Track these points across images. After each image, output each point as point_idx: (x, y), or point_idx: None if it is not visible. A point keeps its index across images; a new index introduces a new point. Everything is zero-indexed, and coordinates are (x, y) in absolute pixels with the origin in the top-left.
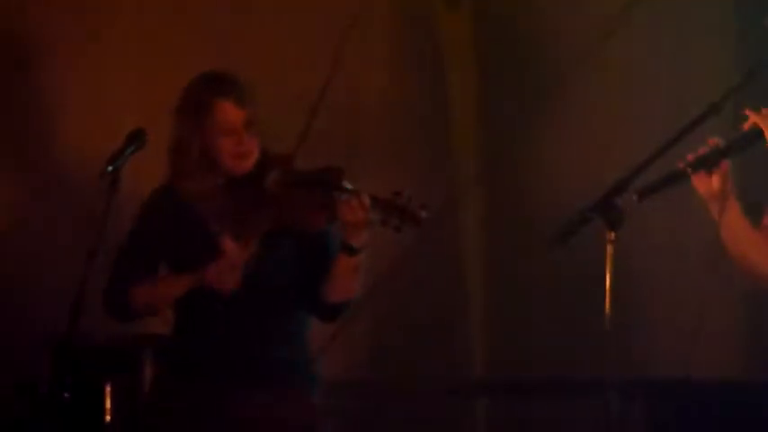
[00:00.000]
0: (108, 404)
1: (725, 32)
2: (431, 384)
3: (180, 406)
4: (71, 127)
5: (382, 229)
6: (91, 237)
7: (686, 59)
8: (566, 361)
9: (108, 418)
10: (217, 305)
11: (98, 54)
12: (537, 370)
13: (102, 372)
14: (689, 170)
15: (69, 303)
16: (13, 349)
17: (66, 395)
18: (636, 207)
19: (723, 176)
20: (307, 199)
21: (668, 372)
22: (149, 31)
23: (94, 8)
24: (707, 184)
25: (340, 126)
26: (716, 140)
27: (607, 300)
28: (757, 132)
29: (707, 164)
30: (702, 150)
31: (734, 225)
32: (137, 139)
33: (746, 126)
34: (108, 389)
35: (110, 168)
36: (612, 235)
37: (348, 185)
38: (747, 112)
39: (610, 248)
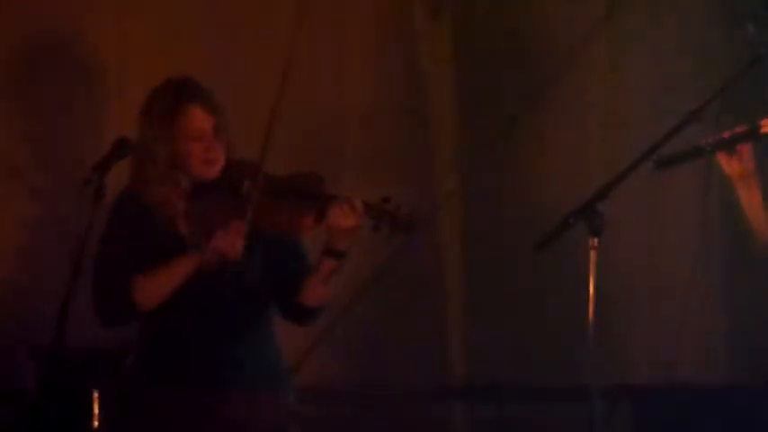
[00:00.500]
0: (96, 410)
1: (710, 36)
2: (412, 390)
3: (158, 410)
4: (57, 133)
5: (361, 235)
6: (75, 244)
7: (669, 65)
8: (548, 365)
9: (96, 423)
10: (222, 289)
11: (82, 58)
12: (520, 374)
13: (89, 378)
14: (707, 148)
15: (55, 311)
16: (1, 358)
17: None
18: (653, 173)
19: (745, 158)
20: (288, 204)
21: (652, 375)
22: (127, 36)
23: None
24: (729, 164)
25: (320, 135)
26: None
27: (590, 304)
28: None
29: (727, 145)
30: (725, 133)
31: (756, 205)
32: (121, 147)
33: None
34: (96, 395)
35: (96, 177)
36: (595, 241)
37: (327, 192)
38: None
39: (593, 254)
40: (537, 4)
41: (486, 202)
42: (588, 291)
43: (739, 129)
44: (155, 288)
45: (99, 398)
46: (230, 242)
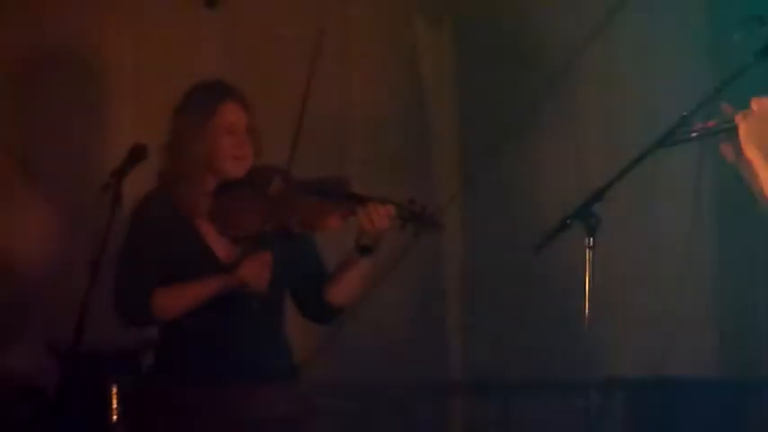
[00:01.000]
0: (114, 404)
1: (697, 46)
2: (414, 386)
3: (179, 408)
4: (75, 139)
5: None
6: (93, 247)
7: (665, 71)
8: (546, 361)
9: (114, 417)
10: (252, 302)
11: (101, 71)
12: (518, 371)
13: (108, 374)
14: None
15: (74, 310)
16: (20, 356)
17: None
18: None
19: (739, 143)
20: (317, 203)
21: (645, 371)
22: (146, 47)
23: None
24: (727, 152)
25: (326, 140)
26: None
27: (586, 302)
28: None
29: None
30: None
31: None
32: (138, 153)
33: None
34: (114, 390)
35: (115, 181)
36: (591, 241)
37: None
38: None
39: (589, 253)
40: (535, 16)
41: (486, 206)
42: (584, 289)
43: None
44: (174, 304)
45: (117, 393)
46: (257, 273)
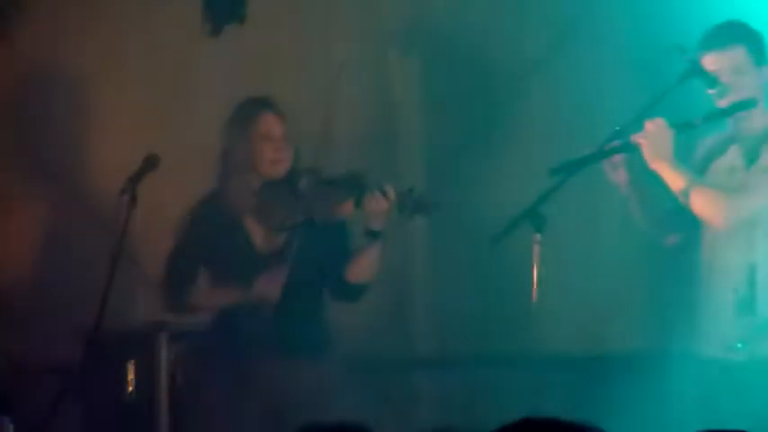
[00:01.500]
0: (131, 377)
1: (628, 69)
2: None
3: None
4: (95, 149)
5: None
6: (113, 243)
7: (610, 85)
8: (499, 337)
9: (130, 389)
10: (265, 310)
11: (119, 83)
12: (477, 345)
13: (126, 352)
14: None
15: (95, 299)
16: (49, 338)
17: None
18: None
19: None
20: (334, 196)
21: (587, 345)
22: (161, 63)
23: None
24: (618, 177)
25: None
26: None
27: (534, 287)
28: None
29: (605, 156)
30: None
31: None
32: (151, 162)
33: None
34: (131, 366)
35: (131, 187)
36: (538, 236)
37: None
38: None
39: (536, 247)
40: (492, 39)
41: (449, 208)
42: (533, 276)
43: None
44: (208, 302)
45: (134, 368)
46: (270, 288)
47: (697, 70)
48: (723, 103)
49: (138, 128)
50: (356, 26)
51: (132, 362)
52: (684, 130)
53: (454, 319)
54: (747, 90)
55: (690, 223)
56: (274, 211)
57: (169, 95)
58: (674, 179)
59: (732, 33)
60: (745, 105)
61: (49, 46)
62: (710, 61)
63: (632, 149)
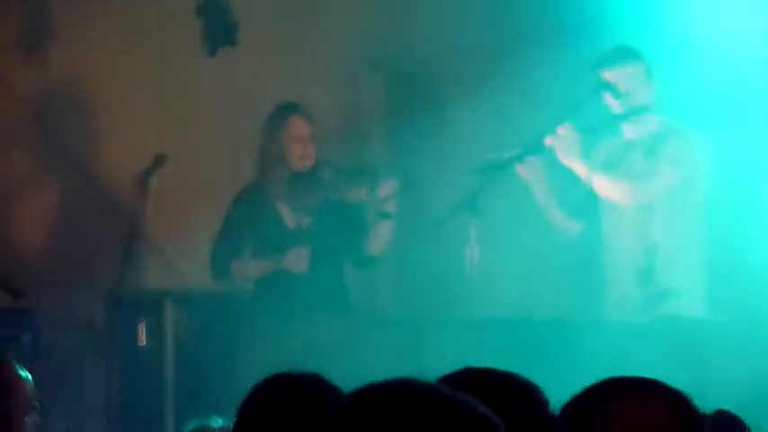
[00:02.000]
0: (142, 333)
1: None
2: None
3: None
4: (109, 144)
5: None
6: (123, 223)
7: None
8: (444, 303)
9: (143, 342)
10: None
11: (132, 92)
12: (427, 309)
13: (139, 312)
14: (510, 162)
15: (110, 268)
16: (78, 298)
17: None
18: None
19: (537, 168)
20: (351, 184)
21: (514, 311)
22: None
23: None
24: (523, 172)
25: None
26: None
27: (470, 263)
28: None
29: (519, 158)
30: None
31: (552, 205)
32: (160, 160)
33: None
34: (142, 324)
35: (143, 180)
36: (473, 221)
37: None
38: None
39: (472, 231)
40: (437, 58)
41: (406, 196)
42: (468, 254)
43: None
44: (249, 271)
45: (145, 325)
46: (297, 261)
47: (603, 84)
48: (621, 110)
49: (146, 129)
50: (332, 49)
51: (143, 320)
52: (590, 132)
53: (409, 287)
54: (640, 99)
55: (595, 210)
56: (302, 197)
57: (175, 103)
58: (583, 171)
59: (626, 54)
60: (639, 111)
61: (74, 62)
62: (611, 76)
63: (547, 150)
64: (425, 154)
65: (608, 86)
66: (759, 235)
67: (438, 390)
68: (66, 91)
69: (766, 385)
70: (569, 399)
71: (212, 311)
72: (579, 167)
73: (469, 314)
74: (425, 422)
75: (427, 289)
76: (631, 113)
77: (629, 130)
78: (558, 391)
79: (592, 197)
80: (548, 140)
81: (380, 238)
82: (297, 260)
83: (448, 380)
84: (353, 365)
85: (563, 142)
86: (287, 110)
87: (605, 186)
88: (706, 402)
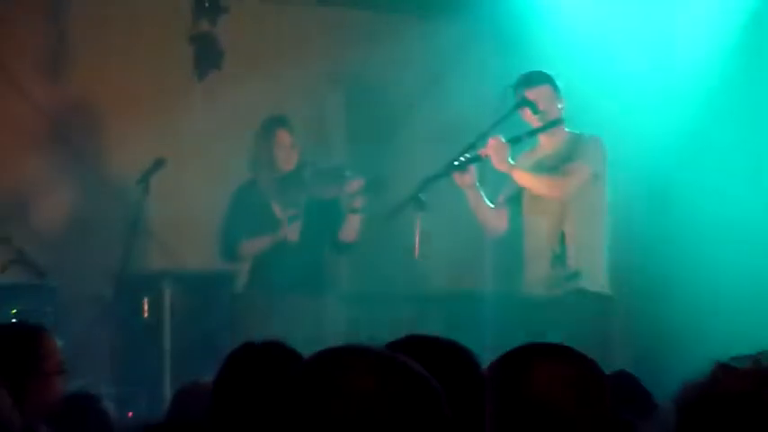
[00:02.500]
0: (145, 308)
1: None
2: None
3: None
4: (119, 151)
5: None
6: (129, 222)
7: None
8: (394, 279)
9: (146, 315)
10: (289, 249)
11: (137, 106)
12: (376, 285)
13: (142, 290)
14: (450, 170)
15: (116, 252)
16: (89, 276)
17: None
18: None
19: (471, 176)
20: (330, 181)
21: (450, 287)
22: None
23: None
24: (461, 180)
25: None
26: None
27: (416, 248)
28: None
29: (458, 168)
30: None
31: (481, 207)
32: (160, 162)
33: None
34: (145, 301)
35: (142, 179)
36: (420, 214)
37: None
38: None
39: (418, 222)
40: (391, 77)
41: (371, 185)
42: (415, 240)
43: (467, 155)
44: (250, 250)
45: (147, 302)
46: (292, 232)
47: (524, 101)
48: (538, 124)
49: (148, 136)
50: (300, 70)
51: (146, 297)
52: (516, 142)
53: (366, 268)
54: (554, 114)
55: (518, 205)
56: (287, 193)
57: (173, 116)
58: (510, 172)
59: (540, 77)
60: (554, 124)
61: (89, 80)
62: (530, 94)
63: (480, 159)
64: (382, 158)
65: (528, 104)
66: (652, 225)
67: (383, 354)
68: (81, 104)
69: (656, 347)
70: (494, 361)
71: (204, 289)
72: (508, 169)
73: (414, 290)
74: (371, 381)
75: (380, 270)
76: (548, 126)
77: (544, 140)
78: (487, 354)
79: (517, 193)
80: (480, 151)
81: (352, 229)
82: (293, 230)
83: (393, 346)
84: (319, 334)
85: (494, 151)
86: (274, 123)
87: (528, 184)
88: (608, 364)
